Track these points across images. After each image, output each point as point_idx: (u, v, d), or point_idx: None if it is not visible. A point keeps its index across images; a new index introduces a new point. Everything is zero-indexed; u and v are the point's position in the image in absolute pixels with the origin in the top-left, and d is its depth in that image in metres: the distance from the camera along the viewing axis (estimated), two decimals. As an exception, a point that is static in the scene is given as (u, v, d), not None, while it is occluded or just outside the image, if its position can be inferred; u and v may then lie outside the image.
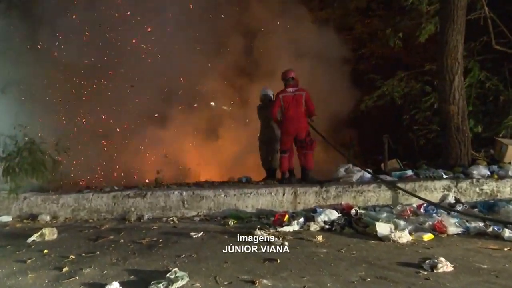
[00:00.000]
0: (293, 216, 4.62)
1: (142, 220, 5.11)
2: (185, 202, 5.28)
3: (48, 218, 5.34)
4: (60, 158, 5.98)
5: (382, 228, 3.86)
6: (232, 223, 4.66)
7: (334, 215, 4.40)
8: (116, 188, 5.85)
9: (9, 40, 6.78)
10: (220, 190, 5.28)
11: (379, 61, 10.80)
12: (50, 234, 4.29)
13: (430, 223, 3.99)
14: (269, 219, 4.77)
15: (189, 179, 6.71)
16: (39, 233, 4.27)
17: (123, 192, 5.45)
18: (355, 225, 4.24)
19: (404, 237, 3.65)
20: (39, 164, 5.59)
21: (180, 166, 6.79)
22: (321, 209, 4.60)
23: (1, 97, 6.43)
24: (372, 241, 3.71)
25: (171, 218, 5.09)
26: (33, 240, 4.20)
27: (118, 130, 7.03)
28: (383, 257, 3.21)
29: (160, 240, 4.05)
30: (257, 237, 3.91)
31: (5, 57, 6.52)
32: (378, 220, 4.13)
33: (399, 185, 4.93)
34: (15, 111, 5.92)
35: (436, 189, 4.94)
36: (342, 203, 4.91)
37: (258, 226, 4.41)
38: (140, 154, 6.84)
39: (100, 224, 4.99)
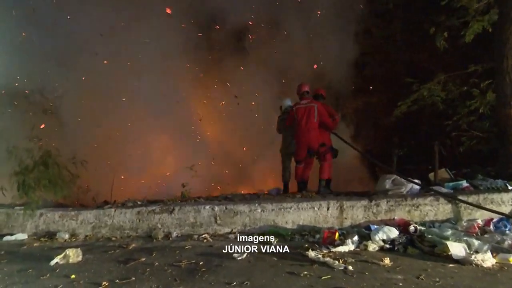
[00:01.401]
0: (344, 234, 4.20)
1: (170, 238, 4.71)
2: (218, 218, 4.86)
3: (66, 236, 4.95)
4: (77, 172, 5.57)
5: (456, 249, 3.42)
6: (275, 242, 4.21)
7: (394, 233, 3.97)
8: (139, 203, 5.45)
9: (29, 51, 6.49)
10: (256, 204, 4.86)
11: (396, 65, 10.57)
12: (74, 255, 3.88)
13: (510, 242, 3.53)
14: (314, 237, 4.39)
15: (215, 192, 6.28)
16: (63, 254, 3.86)
17: (148, 208, 5.05)
18: (419, 244, 3.80)
19: (488, 260, 3.20)
20: (57, 178, 5.19)
21: (206, 179, 6.36)
22: (376, 226, 4.17)
23: (16, 109, 6.10)
24: (451, 265, 3.27)
25: (203, 236, 4.68)
26: (57, 262, 3.78)
27: (139, 142, 6.64)
28: (476, 287, 2.76)
29: (200, 263, 3.62)
30: (313, 259, 3.48)
31: (23, 68, 6.24)
32: (445, 239, 3.69)
33: (460, 197, 4.48)
34: (31, 123, 5.55)
35: (504, 202, 4.49)
36: (395, 218, 4.47)
37: (306, 245, 4.02)
38: (163, 167, 6.43)
39: (125, 243, 4.58)
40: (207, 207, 4.92)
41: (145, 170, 6.61)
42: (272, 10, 9.19)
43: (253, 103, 8.32)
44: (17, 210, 5.28)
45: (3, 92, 6.15)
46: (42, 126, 5.92)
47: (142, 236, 4.86)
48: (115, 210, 5.09)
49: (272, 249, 3.93)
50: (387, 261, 3.37)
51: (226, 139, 7.83)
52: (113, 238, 4.86)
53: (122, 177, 6.51)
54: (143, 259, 3.84)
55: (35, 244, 4.72)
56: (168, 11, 7.31)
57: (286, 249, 3.90)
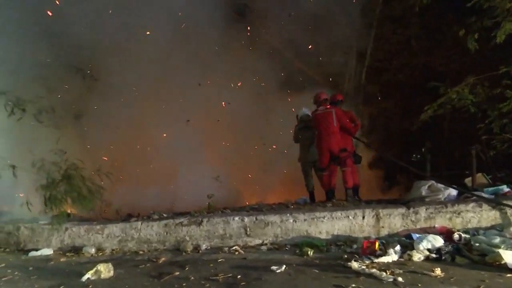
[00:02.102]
0: (384, 244, 4.02)
1: (200, 251, 4.59)
2: (248, 229, 4.74)
3: (93, 250, 4.85)
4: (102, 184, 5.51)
5: (510, 258, 3.22)
6: (311, 253, 4.07)
7: (439, 241, 3.80)
8: (165, 215, 5.35)
9: (53, 65, 6.54)
10: (288, 214, 4.73)
11: (415, 71, 10.46)
12: (106, 271, 3.77)
13: None
14: (351, 247, 4.25)
15: (240, 203, 6.16)
16: (94, 270, 3.75)
17: (175, 220, 4.95)
18: (466, 253, 3.62)
19: (550, 268, 3.01)
20: (84, 191, 5.13)
21: (231, 189, 6.26)
22: (418, 235, 3.99)
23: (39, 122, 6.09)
24: (508, 275, 3.08)
25: (234, 248, 4.56)
26: (88, 278, 3.67)
27: (160, 152, 6.59)
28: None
29: (238, 277, 3.48)
30: (357, 270, 3.32)
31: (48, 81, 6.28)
32: (495, 247, 3.51)
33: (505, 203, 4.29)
34: (55, 136, 5.53)
35: (551, 207, 4.29)
36: (436, 226, 4.30)
37: (345, 256, 3.88)
38: (188, 177, 6.35)
39: (154, 256, 4.47)
40: (237, 218, 4.80)
41: (167, 180, 6.52)
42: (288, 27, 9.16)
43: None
44: (41, 224, 5.22)
45: (25, 105, 6.14)
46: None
47: (170, 249, 4.75)
48: (141, 223, 4.99)
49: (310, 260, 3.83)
50: (438, 271, 3.20)
51: (245, 145, 7.72)
52: (141, 252, 4.76)
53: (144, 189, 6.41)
54: (177, 273, 3.72)
55: (61, 259, 4.63)
56: None
57: (325, 260, 3.78)
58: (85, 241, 5.02)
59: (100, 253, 4.80)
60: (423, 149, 12.57)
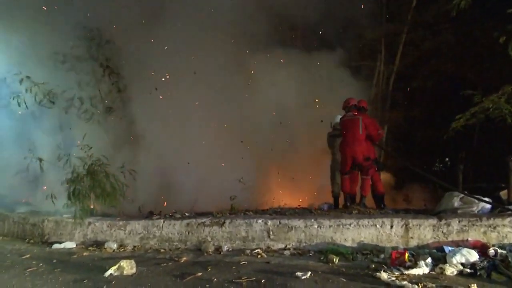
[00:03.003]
0: (413, 255, 3.89)
1: (221, 253, 4.57)
2: (271, 233, 4.68)
3: (115, 246, 4.93)
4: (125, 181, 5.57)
5: (553, 277, 3.04)
6: (336, 261, 3.98)
7: (474, 256, 3.64)
8: (187, 214, 5.38)
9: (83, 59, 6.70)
10: (312, 220, 4.64)
11: (444, 78, 10.18)
12: (128, 267, 3.79)
13: None
14: (378, 257, 4.13)
15: (263, 206, 6.11)
16: (117, 266, 3.78)
17: (198, 220, 4.95)
18: (503, 269, 3.46)
19: None
20: (108, 187, 5.20)
21: (255, 192, 6.22)
22: (452, 248, 3.84)
23: (65, 116, 6.23)
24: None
25: (256, 251, 4.51)
26: (111, 274, 3.71)
27: (184, 151, 6.62)
28: None
29: (262, 281, 3.42)
30: (387, 282, 3.22)
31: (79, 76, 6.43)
32: (536, 264, 3.32)
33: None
34: (82, 131, 5.63)
35: None
36: (469, 239, 4.12)
37: (373, 266, 3.77)
38: (211, 178, 6.35)
39: (176, 255, 4.48)
40: (260, 221, 4.75)
41: (191, 181, 6.53)
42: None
43: None
44: (65, 218, 5.33)
45: (54, 97, 6.30)
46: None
47: (191, 249, 4.76)
48: (163, 221, 5.02)
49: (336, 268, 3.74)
50: (474, 287, 3.05)
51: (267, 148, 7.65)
52: (162, 250, 4.79)
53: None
54: (199, 273, 3.70)
55: (84, 253, 4.70)
56: None
57: (352, 269, 3.69)
58: (108, 236, 5.10)
59: (122, 249, 4.86)
60: (447, 160, 12.33)
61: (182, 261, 4.23)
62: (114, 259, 4.16)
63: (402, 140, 10.41)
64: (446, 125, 7.37)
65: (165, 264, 4.11)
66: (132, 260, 3.88)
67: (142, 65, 6.91)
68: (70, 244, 5.05)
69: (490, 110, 6.12)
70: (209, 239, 4.78)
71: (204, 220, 4.90)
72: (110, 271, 3.72)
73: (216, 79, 7.02)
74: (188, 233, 4.88)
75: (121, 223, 5.12)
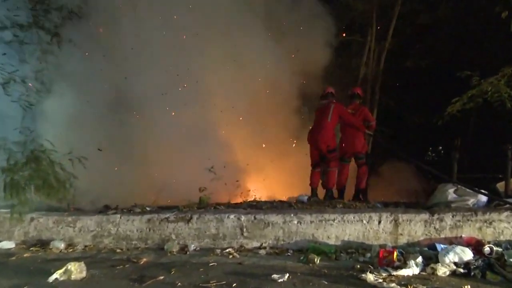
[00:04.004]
0: (403, 254, 3.95)
1: (188, 252, 4.52)
2: (245, 230, 4.66)
3: (62, 245, 4.79)
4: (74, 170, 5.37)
5: (551, 276, 3.14)
6: (318, 261, 3.98)
7: (468, 254, 3.72)
8: (148, 209, 5.27)
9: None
10: (292, 215, 4.63)
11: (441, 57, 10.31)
12: (77, 271, 3.66)
13: None
14: (364, 256, 4.17)
15: (236, 199, 6.06)
16: (64, 269, 3.65)
17: (161, 215, 4.86)
18: (499, 269, 3.55)
19: None
20: (51, 177, 4.99)
21: (227, 182, 6.14)
22: (444, 246, 3.91)
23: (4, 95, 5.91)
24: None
25: (227, 250, 4.48)
26: (56, 278, 3.58)
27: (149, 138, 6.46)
28: None
29: (233, 285, 3.37)
30: (373, 284, 3.24)
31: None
32: (533, 263, 3.43)
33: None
34: (21, 112, 5.36)
35: None
36: (463, 236, 4.22)
37: (358, 266, 3.80)
38: (177, 167, 6.21)
39: (135, 256, 4.40)
40: (232, 216, 4.71)
41: (152, 170, 6.38)
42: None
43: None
44: (3, 213, 5.09)
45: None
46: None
47: (152, 248, 4.69)
48: (120, 217, 4.92)
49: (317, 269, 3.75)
50: (469, 289, 3.12)
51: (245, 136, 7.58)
52: (118, 250, 4.69)
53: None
54: (161, 277, 3.62)
55: (25, 255, 4.54)
56: None
57: (335, 270, 3.70)
58: (54, 234, 4.94)
59: (71, 249, 4.73)
60: (439, 148, 12.62)
61: (141, 262, 4.15)
62: (61, 261, 4.04)
63: (392, 126, 10.53)
64: (441, 109, 7.56)
65: (121, 266, 4.01)
66: (82, 262, 3.76)
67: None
68: (8, 244, 4.87)
69: (489, 94, 6.27)
70: (174, 237, 4.71)
71: (168, 215, 4.81)
72: (56, 275, 3.59)
73: (182, 59, 6.86)
74: (149, 230, 4.78)
75: (70, 219, 4.96)
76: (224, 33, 7.42)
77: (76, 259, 3.92)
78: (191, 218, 4.74)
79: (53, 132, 5.74)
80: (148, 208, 5.26)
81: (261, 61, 7.63)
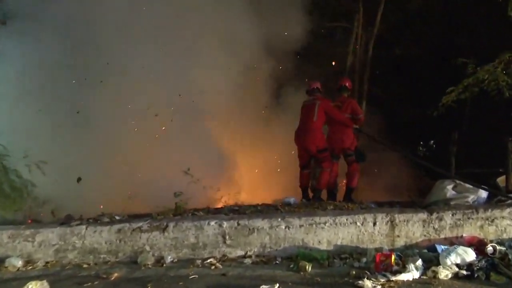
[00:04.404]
0: (401, 257, 4.01)
1: (164, 265, 4.46)
2: (227, 237, 4.64)
3: (20, 263, 4.64)
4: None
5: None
6: (309, 268, 4.00)
7: (471, 255, 3.81)
8: (118, 218, 5.17)
9: None
10: (279, 219, 4.64)
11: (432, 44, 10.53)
12: (39, 291, 3.55)
13: None
14: (359, 261, 4.23)
15: (216, 204, 6.05)
16: (23, 289, 3.53)
17: (132, 224, 4.78)
18: (503, 269, 3.65)
19: None
20: (6, 186, 4.87)
21: (206, 186, 6.12)
22: (445, 247, 4.00)
23: None
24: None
25: (209, 261, 4.45)
26: (15, 300, 3.46)
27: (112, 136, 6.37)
28: None
29: (218, 299, 3.35)
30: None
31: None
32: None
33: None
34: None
35: None
36: (464, 235, 4.33)
37: (353, 272, 3.84)
38: (149, 171, 6.16)
39: (104, 271, 4.30)
40: (213, 222, 4.68)
41: (121, 175, 6.29)
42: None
43: None
44: (-51, 227, 4.92)
45: None
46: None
47: (124, 262, 4.60)
48: (86, 228, 4.80)
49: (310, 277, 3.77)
50: (474, 293, 3.20)
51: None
52: (85, 265, 4.59)
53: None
54: (136, 294, 3.56)
55: (-24, 275, 4.38)
56: None
57: (328, 277, 3.73)
58: (10, 250, 4.77)
59: (30, 267, 4.59)
60: (431, 142, 12.90)
61: (112, 278, 4.08)
62: (19, 280, 3.96)
63: (382, 119, 10.69)
64: (434, 100, 7.72)
65: (89, 283, 3.94)
66: (45, 280, 3.70)
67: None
68: (-45, 263, 4.68)
69: (486, 82, 6.42)
70: (148, 248, 4.65)
71: (140, 224, 4.74)
72: (14, 296, 3.48)
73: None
74: (120, 241, 4.70)
75: (28, 232, 4.80)
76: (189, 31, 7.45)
77: (37, 278, 3.82)
78: (166, 226, 4.69)
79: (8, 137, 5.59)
80: (117, 217, 5.16)
81: (236, 54, 7.64)
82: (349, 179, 6.65)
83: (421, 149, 12.87)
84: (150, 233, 4.68)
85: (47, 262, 4.65)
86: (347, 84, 7.01)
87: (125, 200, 5.74)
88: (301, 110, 6.67)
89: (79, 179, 6.09)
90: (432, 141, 12.93)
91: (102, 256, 4.66)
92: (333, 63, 10.38)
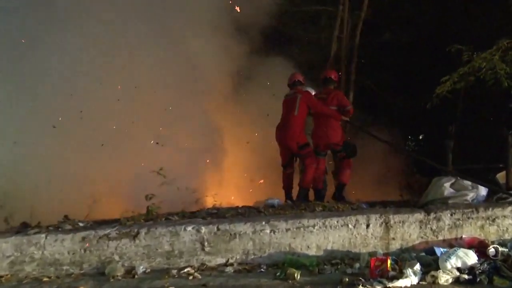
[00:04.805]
0: (397, 262, 4.07)
1: (136, 276, 4.41)
2: (206, 243, 4.62)
3: (-31, 278, 4.50)
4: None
5: None
6: (298, 276, 4.02)
7: (472, 257, 3.90)
8: (82, 224, 5.08)
9: None
10: (264, 222, 4.64)
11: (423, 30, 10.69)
12: (-6, 309, 3.46)
13: None
14: (352, 267, 4.27)
15: (192, 207, 6.02)
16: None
17: (99, 232, 4.70)
18: (506, 271, 3.74)
19: None
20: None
21: (181, 187, 6.09)
22: (444, 249, 4.07)
23: None
24: None
25: (186, 270, 4.42)
26: (-35, 321, 3.36)
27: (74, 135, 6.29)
28: None
29: (198, 312, 3.32)
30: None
31: None
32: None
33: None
34: None
35: None
36: (464, 236, 4.41)
37: (346, 279, 3.88)
38: (116, 169, 6.08)
39: (68, 285, 4.25)
40: (189, 228, 4.65)
41: (84, 173, 6.20)
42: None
43: None
44: None
45: None
46: None
47: (90, 274, 4.53)
48: (46, 237, 4.70)
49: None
50: (477, 299, 3.26)
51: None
52: (45, 279, 4.49)
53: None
54: (106, 310, 3.51)
55: None
56: None
57: (319, 286, 3.75)
58: (-44, 264, 4.66)
59: (-19, 282, 4.50)
60: (420, 136, 13.14)
61: (78, 293, 4.00)
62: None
63: (371, 111, 10.82)
64: (427, 90, 7.83)
65: (51, 299, 3.86)
66: (-1, 298, 3.58)
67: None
68: None
69: (483, 71, 6.55)
70: (117, 258, 4.59)
71: (108, 231, 4.68)
72: (-36, 317, 3.38)
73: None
74: (85, 251, 4.62)
75: (-23, 243, 4.68)
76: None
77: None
78: (137, 233, 4.63)
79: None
80: (81, 224, 5.08)
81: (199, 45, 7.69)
82: (340, 175, 6.74)
83: (409, 144, 13.13)
84: (119, 241, 4.61)
85: (1, 276, 4.53)
86: (332, 76, 7.13)
87: (89, 205, 5.59)
88: (282, 104, 6.83)
89: None
90: (421, 136, 13.22)
91: (64, 268, 4.58)
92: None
